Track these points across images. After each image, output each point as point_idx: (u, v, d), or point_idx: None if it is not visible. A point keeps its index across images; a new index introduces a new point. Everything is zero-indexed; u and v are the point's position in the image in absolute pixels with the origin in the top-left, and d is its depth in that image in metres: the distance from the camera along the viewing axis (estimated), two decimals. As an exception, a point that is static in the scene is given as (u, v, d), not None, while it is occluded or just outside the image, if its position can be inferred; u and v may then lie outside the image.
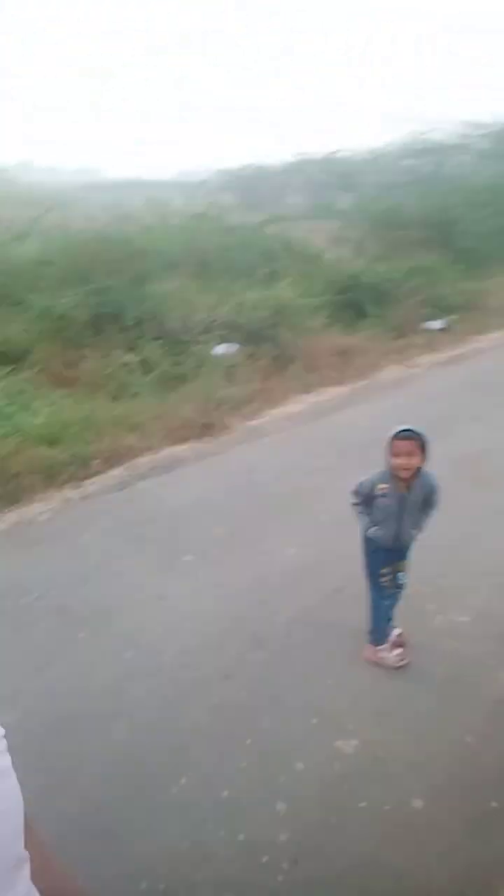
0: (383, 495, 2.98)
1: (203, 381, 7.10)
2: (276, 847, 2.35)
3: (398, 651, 3.19)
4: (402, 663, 3.16)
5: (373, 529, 3.06)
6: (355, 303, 9.94)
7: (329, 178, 22.80)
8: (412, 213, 14.52)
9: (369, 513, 3.07)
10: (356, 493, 3.09)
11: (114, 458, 5.64)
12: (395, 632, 3.34)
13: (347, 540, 4.01)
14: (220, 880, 2.24)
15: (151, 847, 2.35)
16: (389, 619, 3.34)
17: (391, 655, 3.18)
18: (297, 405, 6.88)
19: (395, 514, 2.99)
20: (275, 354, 7.98)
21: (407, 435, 2.84)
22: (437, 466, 3.12)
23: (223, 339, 8.09)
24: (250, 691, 3.08)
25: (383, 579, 3.19)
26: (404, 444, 2.84)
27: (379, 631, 3.23)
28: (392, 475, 2.94)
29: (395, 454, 2.87)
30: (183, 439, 6.04)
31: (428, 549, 3.32)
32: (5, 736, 0.79)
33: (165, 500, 4.98)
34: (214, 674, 3.19)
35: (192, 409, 6.41)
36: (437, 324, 10.07)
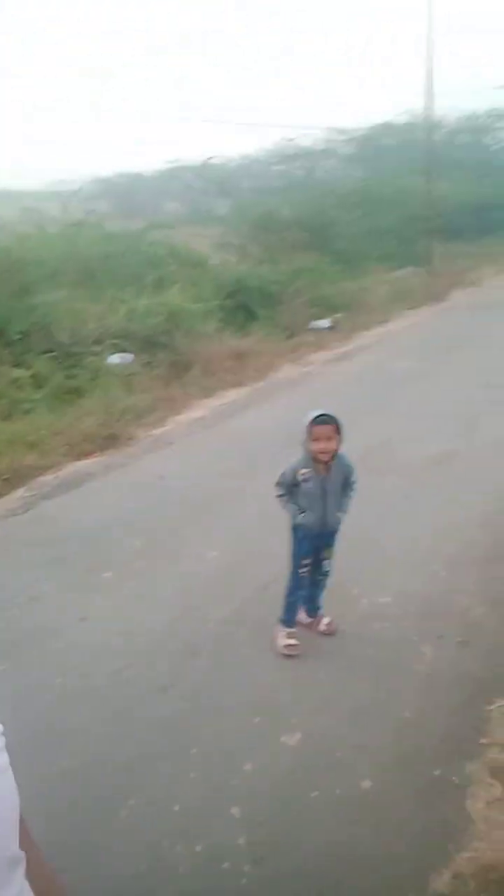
0: (305, 480, 3.06)
1: (101, 392, 6.93)
2: (236, 851, 2.34)
3: (291, 642, 3.27)
4: (287, 652, 3.24)
5: (300, 516, 3.13)
6: (244, 306, 10.12)
7: (205, 184, 23.04)
8: (288, 216, 15.00)
9: (294, 501, 3.14)
10: (279, 483, 3.15)
11: (14, 479, 5.37)
12: (326, 620, 3.43)
13: (267, 537, 4.07)
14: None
15: (109, 876, 2.26)
16: (317, 607, 3.44)
17: (283, 641, 3.27)
18: (199, 410, 6.89)
19: (319, 497, 3.09)
20: (171, 361, 7.95)
21: (324, 420, 2.95)
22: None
23: (117, 349, 7.94)
24: (189, 700, 3.04)
25: (303, 570, 3.28)
26: (323, 429, 2.94)
27: (289, 614, 3.32)
28: (312, 460, 3.02)
29: (315, 439, 2.96)
30: (87, 454, 5.86)
31: (345, 536, 3.42)
32: (3, 733, 0.77)
33: (76, 518, 4.81)
34: (150, 688, 3.12)
35: (92, 422, 6.24)
36: (323, 323, 10.45)
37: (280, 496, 3.18)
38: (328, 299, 11.32)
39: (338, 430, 3.00)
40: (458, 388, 7.53)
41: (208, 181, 23.10)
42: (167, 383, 7.51)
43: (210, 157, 23.60)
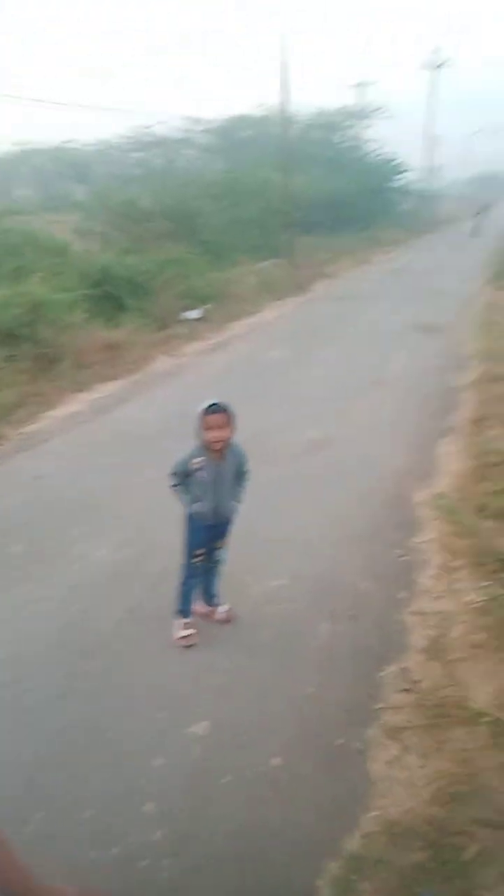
0: (199, 469, 3.06)
1: (-39, 390, 6.45)
2: (153, 847, 2.33)
3: (187, 632, 3.31)
4: (183, 643, 3.29)
5: (195, 505, 3.14)
6: (112, 296, 9.83)
7: (59, 168, 22.01)
8: (151, 205, 14.74)
9: (188, 490, 3.13)
10: (173, 473, 3.13)
11: None
12: (223, 608, 3.48)
13: (157, 530, 4.05)
14: (105, 901, 2.15)
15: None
16: (213, 595, 3.47)
17: (179, 632, 3.32)
18: (74, 405, 6.63)
19: (212, 485, 3.10)
20: (37, 354, 7.55)
21: (216, 409, 2.96)
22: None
23: (-25, 343, 7.41)
24: (90, 704, 2.96)
25: (196, 559, 3.29)
26: (215, 418, 2.96)
27: (184, 604, 3.36)
28: (205, 448, 3.03)
29: (208, 428, 2.96)
30: (-49, 456, 5.44)
31: (234, 524, 3.47)
32: None
33: None
34: (48, 697, 3.00)
35: (-46, 422, 5.80)
36: (194, 313, 10.44)
37: (174, 486, 3.16)
38: (197, 290, 11.30)
39: (230, 418, 3.03)
40: (327, 376, 7.87)
41: (63, 166, 22.11)
42: (34, 378, 7.14)
43: (68, 141, 22.61)
